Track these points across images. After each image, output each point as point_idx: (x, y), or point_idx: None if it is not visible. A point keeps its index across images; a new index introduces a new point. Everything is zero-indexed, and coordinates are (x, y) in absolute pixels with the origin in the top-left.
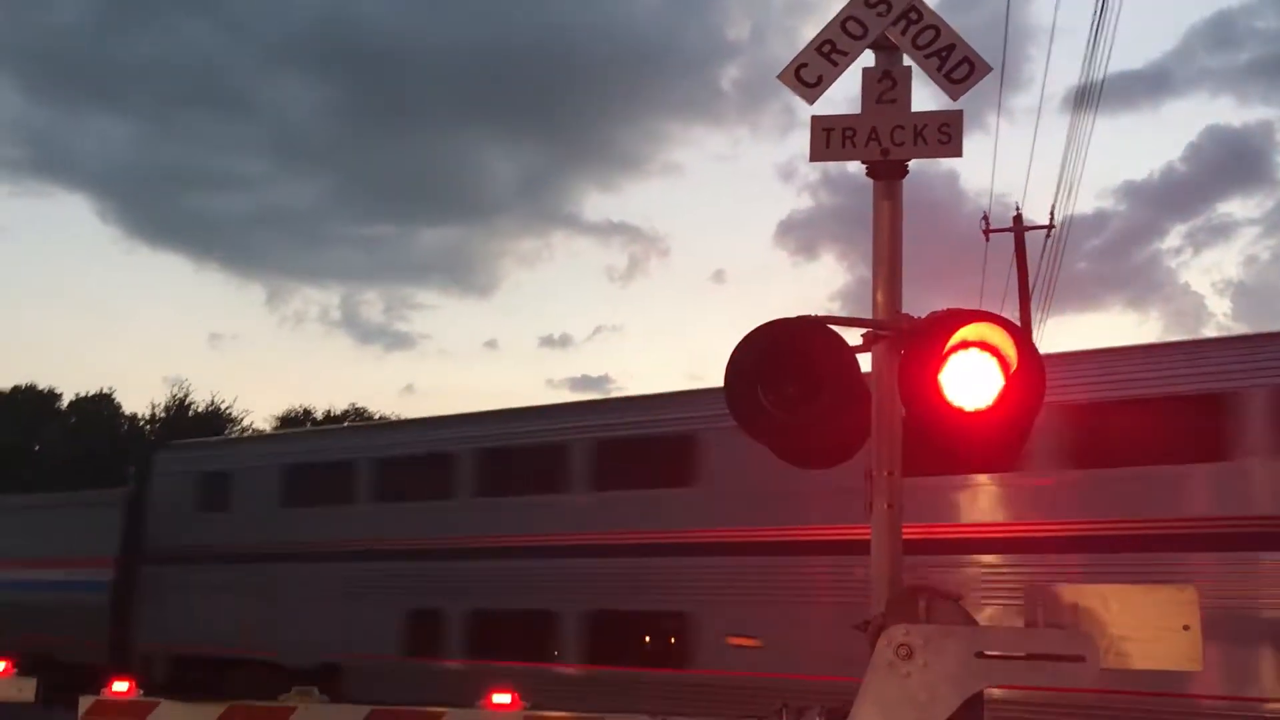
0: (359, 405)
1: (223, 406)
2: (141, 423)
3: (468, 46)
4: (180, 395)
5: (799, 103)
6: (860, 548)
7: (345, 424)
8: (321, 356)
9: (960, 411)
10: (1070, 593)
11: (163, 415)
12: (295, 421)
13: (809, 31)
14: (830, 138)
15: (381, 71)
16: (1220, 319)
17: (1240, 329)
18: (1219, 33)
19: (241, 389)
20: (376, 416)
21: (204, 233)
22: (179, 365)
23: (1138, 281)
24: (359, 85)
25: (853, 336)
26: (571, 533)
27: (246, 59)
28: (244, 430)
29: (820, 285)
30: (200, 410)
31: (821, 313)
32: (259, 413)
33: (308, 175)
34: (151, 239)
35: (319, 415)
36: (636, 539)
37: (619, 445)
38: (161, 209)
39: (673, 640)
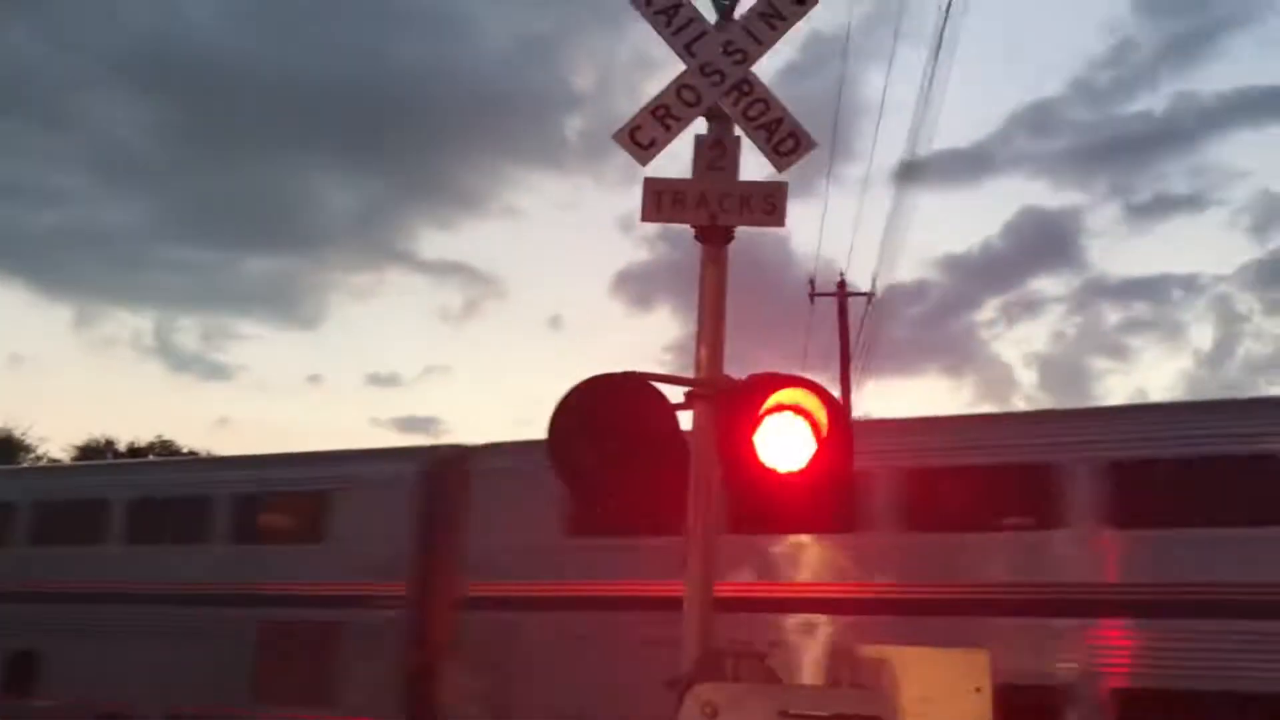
0: (166, 438)
1: (15, 433)
2: None
3: (306, 76)
4: None
5: None
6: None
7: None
8: (131, 384)
9: (773, 473)
10: (873, 653)
11: None
12: (96, 452)
13: (653, 87)
14: (662, 200)
15: (214, 95)
16: (1027, 389)
17: (1045, 401)
18: (1037, 119)
19: (41, 415)
20: (185, 450)
21: (8, 248)
22: None
23: (954, 350)
24: (190, 107)
25: (675, 394)
26: None
27: (69, 71)
28: (38, 459)
29: (655, 337)
30: None
31: (654, 365)
32: (58, 441)
33: (129, 196)
34: None
35: (122, 446)
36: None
37: None
38: None
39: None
